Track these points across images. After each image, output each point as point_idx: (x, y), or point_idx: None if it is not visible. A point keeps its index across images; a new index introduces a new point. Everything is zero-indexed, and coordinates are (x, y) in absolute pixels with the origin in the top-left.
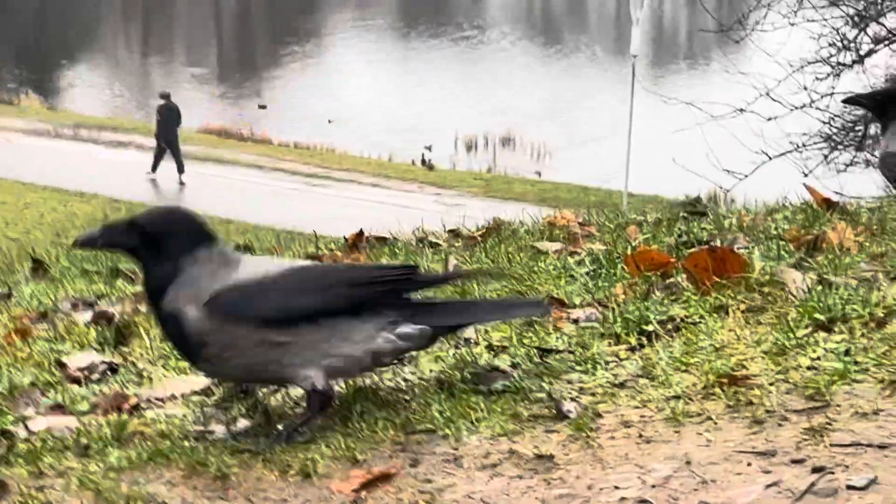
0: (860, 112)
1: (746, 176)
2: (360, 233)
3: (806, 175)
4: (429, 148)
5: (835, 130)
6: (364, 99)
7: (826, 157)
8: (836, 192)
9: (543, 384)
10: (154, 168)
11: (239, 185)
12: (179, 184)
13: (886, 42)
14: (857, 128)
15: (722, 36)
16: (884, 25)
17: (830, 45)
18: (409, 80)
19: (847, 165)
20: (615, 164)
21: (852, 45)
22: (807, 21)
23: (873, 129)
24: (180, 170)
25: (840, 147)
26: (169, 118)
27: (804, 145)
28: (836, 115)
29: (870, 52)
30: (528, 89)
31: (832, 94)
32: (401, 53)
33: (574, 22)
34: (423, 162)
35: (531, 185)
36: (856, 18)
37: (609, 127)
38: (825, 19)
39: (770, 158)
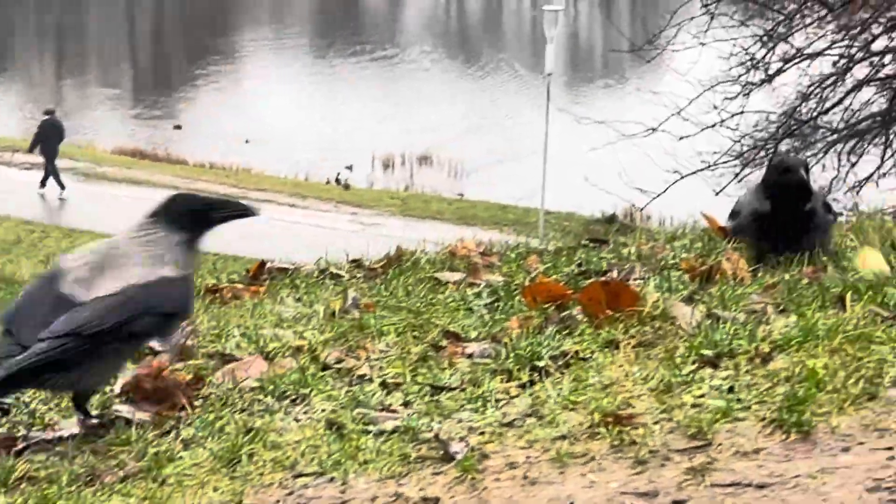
0: (771, 130)
1: (659, 195)
2: (262, 263)
3: (717, 193)
4: (349, 168)
5: (745, 149)
6: (281, 118)
7: (737, 174)
8: None
9: (433, 424)
10: (60, 186)
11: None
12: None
13: (795, 61)
14: (767, 146)
15: (635, 55)
16: (792, 45)
17: (740, 64)
18: (327, 100)
19: None
20: (533, 182)
21: (761, 64)
22: (716, 41)
23: (784, 146)
24: (43, 184)
25: (751, 165)
26: (51, 134)
27: (715, 164)
28: (746, 134)
29: (779, 72)
30: (447, 108)
31: (742, 112)
32: (318, 73)
33: (491, 40)
34: (339, 181)
35: (448, 204)
36: (765, 38)
37: (527, 145)
38: (735, 39)
39: (682, 177)
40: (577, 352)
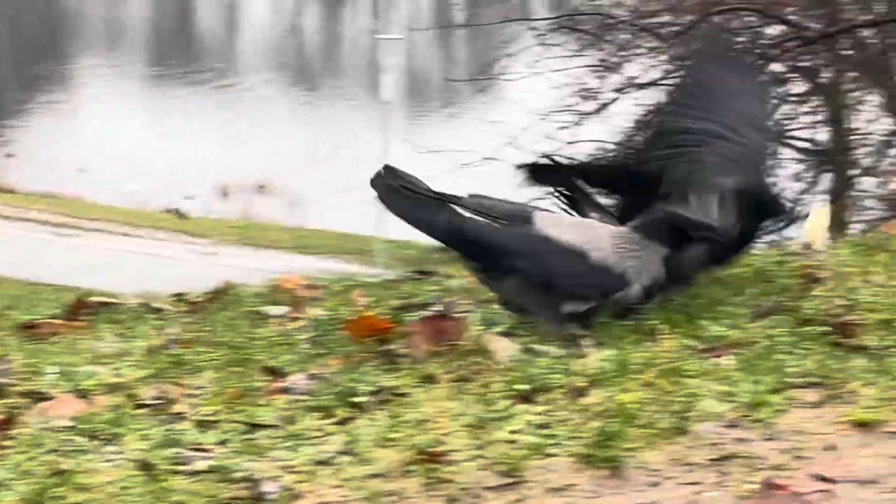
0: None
1: None
2: (82, 298)
3: None
4: (190, 198)
5: None
6: (117, 147)
7: None
8: None
9: (246, 463)
10: None
11: None
12: None
13: (627, 91)
14: None
15: (473, 84)
16: (624, 75)
17: (574, 94)
18: (165, 128)
19: None
20: (373, 211)
21: (594, 94)
22: (551, 71)
23: None
24: None
25: None
26: None
27: (551, 192)
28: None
29: (612, 101)
30: (287, 136)
31: (576, 142)
32: (156, 100)
33: (332, 68)
34: (174, 210)
35: (287, 232)
36: (598, 68)
37: (366, 173)
38: (568, 69)
39: None
40: (395, 387)
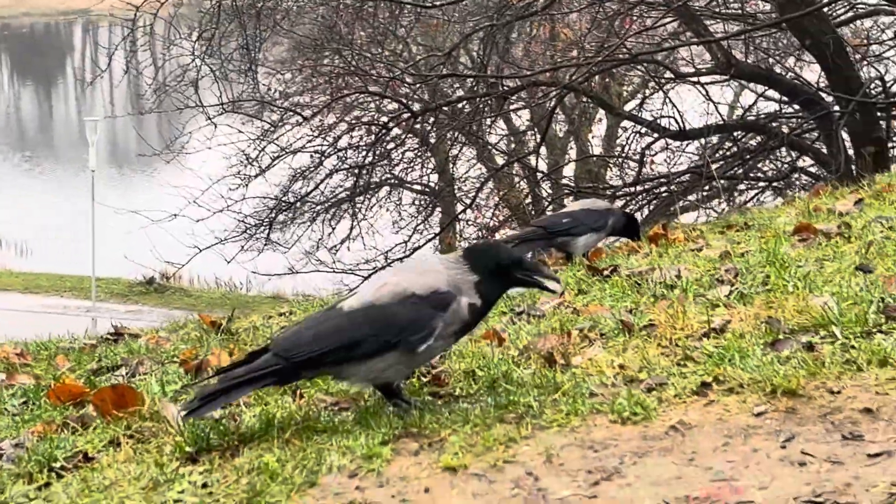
0: (267, 211)
1: (182, 266)
2: None
3: (228, 262)
4: None
5: (248, 226)
6: None
7: (243, 247)
8: (254, 272)
9: None
10: None
11: None
12: None
13: (281, 157)
14: (264, 223)
15: (162, 156)
16: (278, 145)
17: (240, 162)
18: None
19: (259, 252)
20: (86, 256)
21: (255, 161)
22: (220, 144)
23: (279, 221)
24: None
25: (253, 239)
26: None
27: (225, 239)
28: (248, 215)
29: (269, 166)
30: (10, 197)
31: (244, 199)
32: None
33: (47, 142)
34: None
35: (15, 276)
36: (256, 141)
37: (81, 226)
38: (233, 142)
39: (200, 251)
40: (86, 453)
